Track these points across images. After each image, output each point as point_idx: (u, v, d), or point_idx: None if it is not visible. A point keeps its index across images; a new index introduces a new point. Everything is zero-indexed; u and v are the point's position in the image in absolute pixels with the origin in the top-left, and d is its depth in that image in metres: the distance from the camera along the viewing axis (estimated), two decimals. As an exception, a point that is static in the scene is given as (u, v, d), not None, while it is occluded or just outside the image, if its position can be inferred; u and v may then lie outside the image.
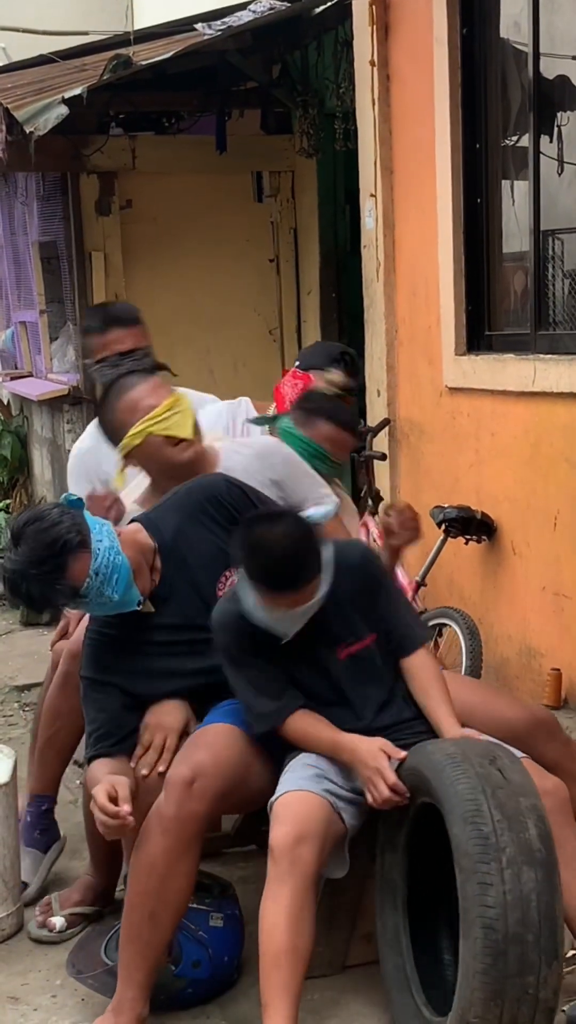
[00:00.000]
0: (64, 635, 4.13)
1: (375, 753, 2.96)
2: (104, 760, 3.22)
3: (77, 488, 4.09)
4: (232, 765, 3.04)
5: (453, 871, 3.04)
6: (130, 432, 3.46)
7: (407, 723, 3.10)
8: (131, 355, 4.07)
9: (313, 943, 2.86)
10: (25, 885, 3.91)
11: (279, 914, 2.82)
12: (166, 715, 3.21)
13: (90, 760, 3.28)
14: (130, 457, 3.53)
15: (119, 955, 3.08)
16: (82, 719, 3.98)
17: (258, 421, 4.07)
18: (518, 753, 3.01)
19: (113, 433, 3.55)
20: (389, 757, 2.96)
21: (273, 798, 2.97)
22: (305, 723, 3.07)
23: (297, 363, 4.26)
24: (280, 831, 2.88)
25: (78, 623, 4.02)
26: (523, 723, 3.19)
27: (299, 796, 2.93)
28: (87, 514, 3.13)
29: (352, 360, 4.29)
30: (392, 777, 2.93)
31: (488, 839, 2.65)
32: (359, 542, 3.19)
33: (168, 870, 2.99)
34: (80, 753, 4.07)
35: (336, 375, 4.06)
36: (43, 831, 4.02)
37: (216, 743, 3.06)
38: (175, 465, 3.44)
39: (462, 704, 3.22)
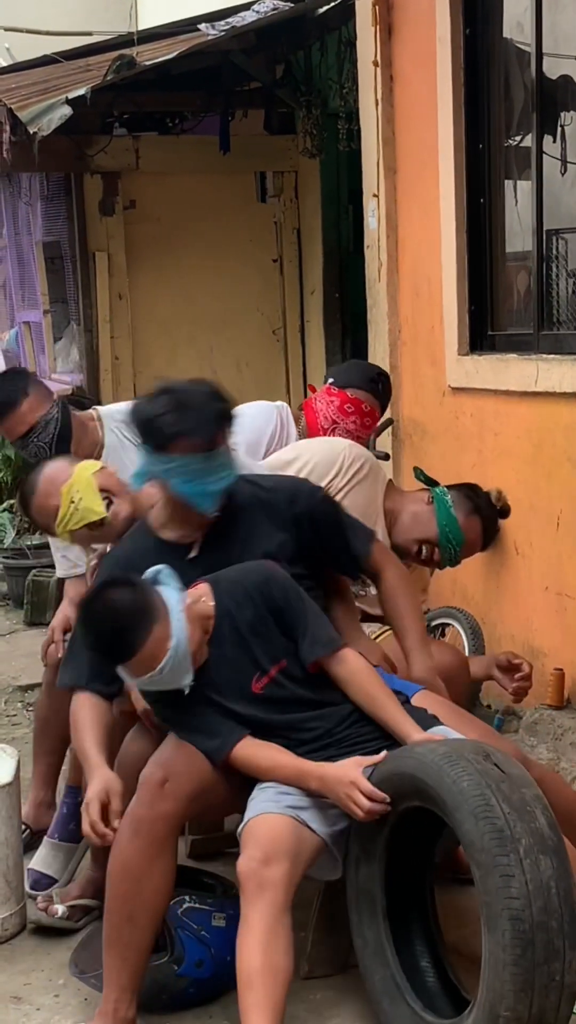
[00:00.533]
0: (52, 643, 4.15)
1: (346, 770, 2.96)
2: (89, 698, 3.23)
3: None
4: (205, 765, 3.04)
5: (426, 877, 3.04)
6: (64, 540, 3.67)
7: (348, 730, 3.10)
8: (32, 432, 4.00)
9: (292, 961, 2.86)
10: (53, 881, 3.93)
11: (250, 936, 2.83)
12: (103, 783, 3.10)
13: (72, 687, 3.28)
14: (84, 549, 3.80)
15: (103, 958, 3.08)
16: None
17: (417, 475, 4.16)
18: None
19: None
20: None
21: (239, 827, 2.99)
22: (259, 754, 3.05)
23: (331, 380, 4.27)
24: (244, 856, 2.90)
25: (63, 633, 4.06)
26: None
27: (262, 820, 2.94)
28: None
29: (386, 383, 4.34)
30: (367, 785, 2.92)
31: (503, 832, 2.67)
32: (261, 564, 3.18)
33: (142, 871, 2.99)
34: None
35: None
36: (79, 823, 3.99)
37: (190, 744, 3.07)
38: (116, 534, 3.51)
39: None
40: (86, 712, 3.22)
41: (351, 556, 3.40)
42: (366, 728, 3.11)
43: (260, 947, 2.81)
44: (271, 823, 2.93)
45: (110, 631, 2.95)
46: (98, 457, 3.99)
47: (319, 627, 3.12)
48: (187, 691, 3.01)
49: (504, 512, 4.10)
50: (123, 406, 4.41)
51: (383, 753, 2.98)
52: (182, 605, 3.00)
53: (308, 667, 3.09)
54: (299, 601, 3.12)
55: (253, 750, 3.05)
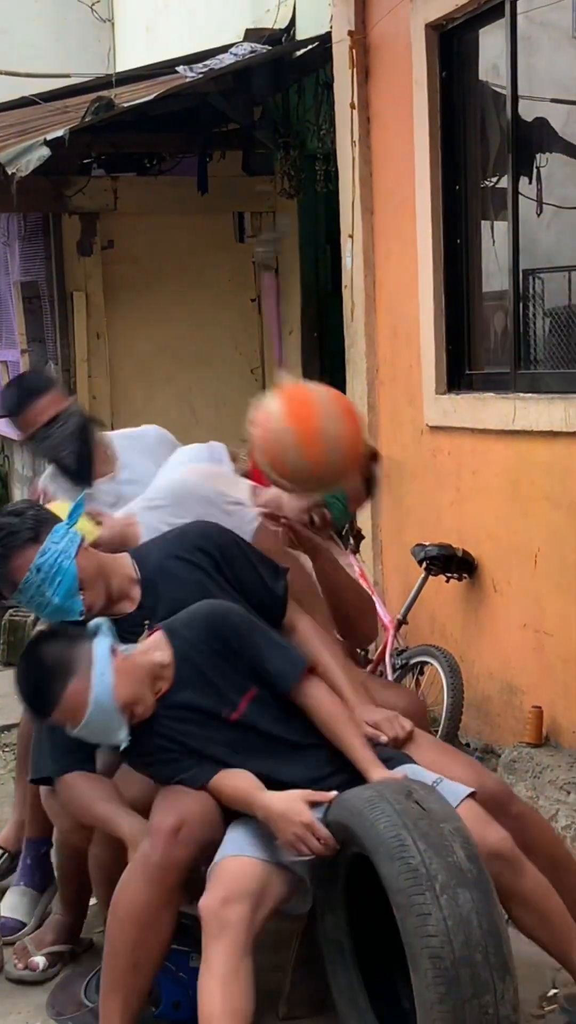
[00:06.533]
0: None
1: (298, 809, 2.90)
2: (82, 775, 3.19)
3: None
4: (215, 811, 3.02)
5: (395, 919, 3.03)
6: None
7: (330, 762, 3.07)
8: (55, 422, 4.04)
9: (252, 1003, 2.82)
10: (22, 924, 3.90)
11: (211, 978, 2.78)
12: None
13: (60, 773, 3.24)
14: None
15: (100, 1004, 3.04)
16: None
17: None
18: (465, 789, 2.99)
19: None
20: (314, 805, 2.92)
21: (209, 868, 2.95)
22: (228, 782, 3.03)
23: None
24: (206, 897, 2.86)
25: None
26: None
27: (232, 861, 2.91)
28: (67, 518, 3.18)
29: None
30: (322, 831, 2.89)
31: (418, 870, 2.63)
32: (209, 602, 3.15)
33: (151, 919, 2.95)
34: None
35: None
36: (44, 873, 3.99)
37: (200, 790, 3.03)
38: None
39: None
40: (81, 788, 3.18)
41: (270, 593, 3.29)
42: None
43: (220, 989, 2.77)
44: (239, 864, 2.90)
45: (32, 685, 3.02)
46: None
47: (279, 657, 3.09)
48: (123, 745, 3.02)
49: (374, 454, 3.92)
50: (127, 431, 4.39)
51: (332, 793, 2.94)
52: (110, 659, 3.00)
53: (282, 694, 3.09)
54: (251, 633, 3.09)
55: (224, 778, 3.02)
